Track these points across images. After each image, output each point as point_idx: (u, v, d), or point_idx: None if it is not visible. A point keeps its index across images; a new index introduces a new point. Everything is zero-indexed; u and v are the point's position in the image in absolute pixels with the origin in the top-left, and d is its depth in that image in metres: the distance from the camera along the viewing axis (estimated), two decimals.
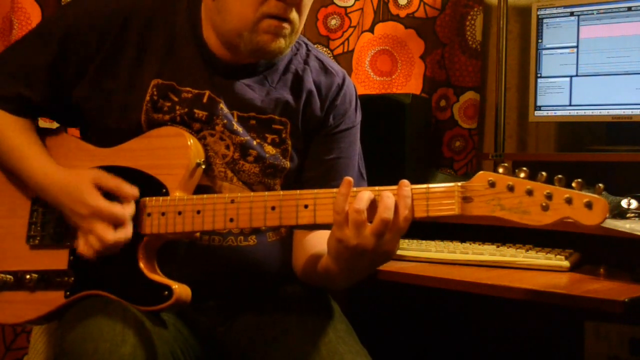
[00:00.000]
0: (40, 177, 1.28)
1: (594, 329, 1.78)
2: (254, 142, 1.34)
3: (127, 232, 1.20)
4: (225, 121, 1.31)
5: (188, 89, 1.31)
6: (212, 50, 1.32)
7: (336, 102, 1.41)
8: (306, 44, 1.44)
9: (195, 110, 1.31)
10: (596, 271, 1.50)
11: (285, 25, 1.24)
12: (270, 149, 1.35)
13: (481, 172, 1.06)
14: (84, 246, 1.21)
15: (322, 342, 1.25)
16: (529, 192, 1.02)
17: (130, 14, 1.31)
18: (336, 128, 1.41)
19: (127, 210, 1.20)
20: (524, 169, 1.04)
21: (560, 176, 1.02)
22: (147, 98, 1.30)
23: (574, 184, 1.01)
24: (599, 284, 1.40)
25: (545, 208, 1.02)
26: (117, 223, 1.20)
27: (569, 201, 1.00)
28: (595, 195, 1.00)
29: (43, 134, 1.38)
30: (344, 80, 1.44)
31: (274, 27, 1.24)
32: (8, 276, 1.31)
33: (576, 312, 1.68)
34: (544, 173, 1.03)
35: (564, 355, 1.88)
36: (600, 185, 1.00)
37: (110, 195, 1.23)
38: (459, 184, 1.07)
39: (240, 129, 1.33)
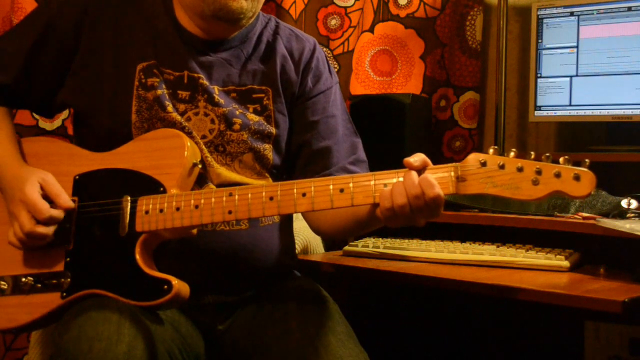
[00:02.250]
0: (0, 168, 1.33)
1: (594, 329, 1.77)
2: (237, 112, 1.37)
3: (47, 230, 1.25)
4: (205, 95, 1.35)
5: (169, 70, 1.35)
6: (185, 28, 1.37)
7: (311, 65, 1.47)
8: (275, 19, 1.50)
9: (179, 92, 1.35)
10: (596, 271, 1.50)
11: None
12: (253, 117, 1.39)
13: (473, 153, 1.11)
14: (12, 234, 1.28)
15: (322, 345, 1.25)
16: (520, 169, 1.07)
17: (103, 2, 1.36)
18: (316, 90, 1.46)
19: (52, 211, 1.25)
20: (513, 149, 1.08)
21: (547, 154, 1.06)
22: (137, 83, 1.33)
23: (561, 160, 1.05)
24: (599, 284, 1.40)
25: (535, 183, 1.06)
26: (37, 217, 1.25)
27: (557, 175, 1.04)
28: (583, 168, 1.04)
29: (35, 141, 1.40)
30: (314, 45, 1.50)
31: None
32: (2, 282, 1.31)
33: (576, 312, 1.67)
34: (532, 152, 1.07)
35: (564, 355, 1.88)
36: (587, 160, 1.05)
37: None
38: (452, 165, 1.11)
39: (222, 101, 1.36)
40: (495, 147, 1.10)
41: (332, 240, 1.90)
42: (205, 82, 1.36)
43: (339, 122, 1.47)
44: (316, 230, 1.46)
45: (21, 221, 1.25)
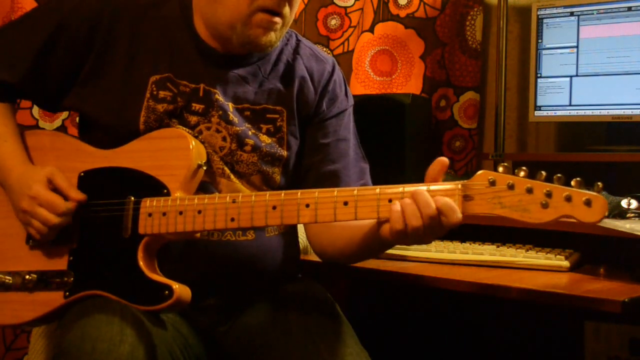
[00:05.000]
0: (6, 167, 1.32)
1: (594, 329, 1.77)
2: (250, 132, 1.35)
3: (67, 220, 1.26)
4: (220, 112, 1.33)
5: (185, 82, 1.33)
6: (203, 40, 1.34)
7: (328, 88, 1.44)
8: (295, 34, 1.47)
9: (193, 104, 1.32)
10: (596, 271, 1.50)
11: (277, 19, 1.28)
12: (265, 139, 1.36)
13: (482, 171, 1.07)
14: (34, 232, 1.28)
15: (323, 344, 1.25)
16: (529, 191, 1.03)
17: (121, 8, 1.33)
18: (329, 113, 1.44)
19: (68, 204, 1.26)
20: (524, 168, 1.05)
21: (559, 175, 1.03)
22: (148, 95, 1.31)
23: (573, 183, 1.02)
24: (599, 284, 1.40)
25: (545, 206, 1.03)
26: (55, 211, 1.25)
27: (568, 199, 1.01)
28: (594, 193, 1.01)
29: (41, 135, 1.40)
30: (333, 67, 1.48)
31: (266, 21, 1.27)
32: (7, 277, 1.31)
33: (576, 312, 1.68)
34: (543, 172, 1.04)
35: (564, 355, 1.88)
36: (599, 183, 1.01)
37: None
38: (460, 183, 1.08)
39: (236, 119, 1.34)
40: (505, 164, 1.06)
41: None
42: (221, 98, 1.33)
43: (350, 146, 1.45)
44: (320, 250, 1.44)
45: (43, 218, 1.25)
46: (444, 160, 1.11)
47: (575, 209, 1.01)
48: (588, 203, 1.00)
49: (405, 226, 1.09)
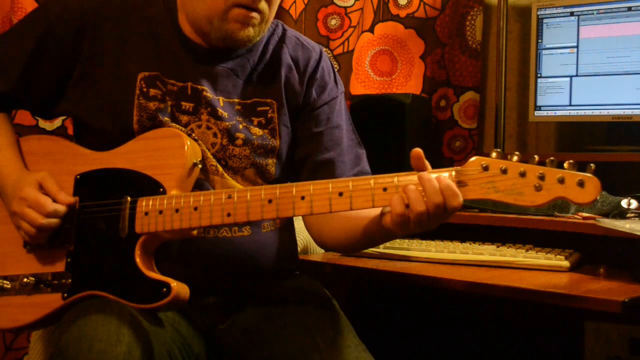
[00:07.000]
0: (3, 174, 1.34)
1: (594, 329, 1.77)
2: (240, 126, 1.36)
3: (56, 221, 1.27)
4: (209, 109, 1.33)
5: (172, 81, 1.33)
6: (189, 37, 1.35)
7: (316, 76, 1.44)
8: (282, 24, 1.47)
9: (182, 103, 1.33)
10: (596, 271, 1.50)
11: (254, 14, 1.28)
12: (257, 131, 1.37)
13: (475, 157, 1.07)
14: (23, 234, 1.29)
15: (321, 337, 1.25)
16: (522, 174, 1.03)
17: (105, 11, 1.34)
18: (320, 101, 1.44)
19: (55, 205, 1.27)
20: (516, 152, 1.05)
21: (552, 158, 1.03)
22: (137, 92, 1.31)
23: (565, 165, 1.02)
24: (599, 284, 1.40)
25: (538, 188, 1.02)
26: (41, 211, 1.26)
27: (561, 181, 1.01)
28: (587, 174, 1.01)
29: (36, 140, 1.40)
30: (320, 54, 1.47)
31: (242, 16, 1.28)
32: (4, 281, 1.31)
33: (576, 312, 1.67)
34: (536, 156, 1.04)
35: (564, 355, 1.88)
36: (592, 165, 1.01)
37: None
38: (453, 169, 1.09)
39: (225, 114, 1.34)
40: (498, 150, 1.06)
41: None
42: (210, 94, 1.34)
43: (344, 132, 1.45)
44: (320, 242, 1.45)
45: (30, 217, 1.26)
46: (416, 151, 1.11)
47: (569, 191, 1.01)
48: (581, 184, 1.00)
49: (408, 211, 1.08)
